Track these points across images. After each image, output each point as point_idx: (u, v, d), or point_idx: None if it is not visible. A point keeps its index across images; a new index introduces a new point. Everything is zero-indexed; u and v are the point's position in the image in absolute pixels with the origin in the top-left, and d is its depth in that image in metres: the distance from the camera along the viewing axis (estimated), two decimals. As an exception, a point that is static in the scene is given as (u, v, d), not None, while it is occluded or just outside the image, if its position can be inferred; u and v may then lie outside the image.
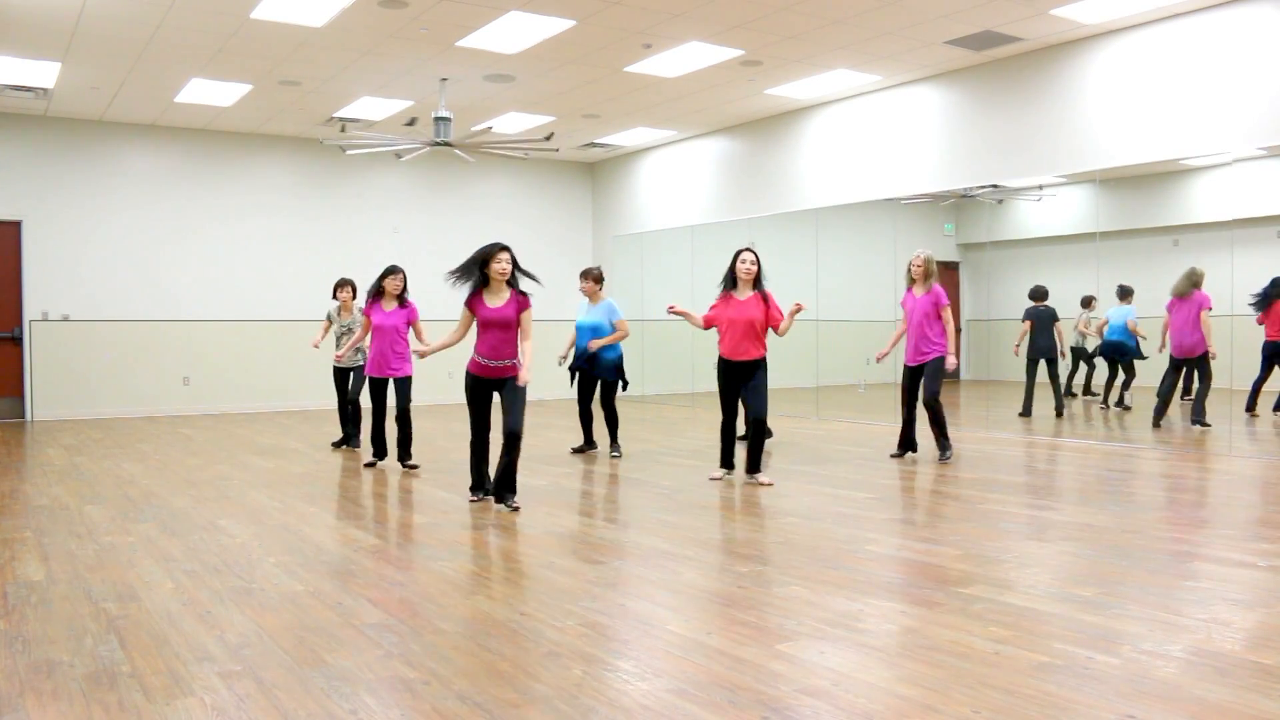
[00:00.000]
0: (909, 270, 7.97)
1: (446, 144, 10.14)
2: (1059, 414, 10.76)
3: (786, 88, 10.97)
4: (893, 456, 8.09)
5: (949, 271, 13.75)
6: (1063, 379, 11.07)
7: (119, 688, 3.13)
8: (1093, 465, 7.68)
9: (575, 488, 6.91)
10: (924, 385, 7.82)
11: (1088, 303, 11.26)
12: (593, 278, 8.48)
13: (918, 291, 7.92)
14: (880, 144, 11.11)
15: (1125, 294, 10.61)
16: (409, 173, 14.23)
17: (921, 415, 7.99)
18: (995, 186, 10.61)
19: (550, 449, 8.96)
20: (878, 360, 8.07)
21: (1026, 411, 10.67)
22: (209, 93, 10.91)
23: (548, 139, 10.37)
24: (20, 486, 7.13)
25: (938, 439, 7.91)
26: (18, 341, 11.99)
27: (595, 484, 7.25)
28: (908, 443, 8.08)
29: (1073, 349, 11.47)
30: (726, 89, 11.02)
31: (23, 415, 12.00)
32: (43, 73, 9.99)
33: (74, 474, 7.69)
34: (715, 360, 7.02)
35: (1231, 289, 9.01)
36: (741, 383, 6.86)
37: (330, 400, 10.97)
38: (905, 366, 7.98)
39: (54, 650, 3.49)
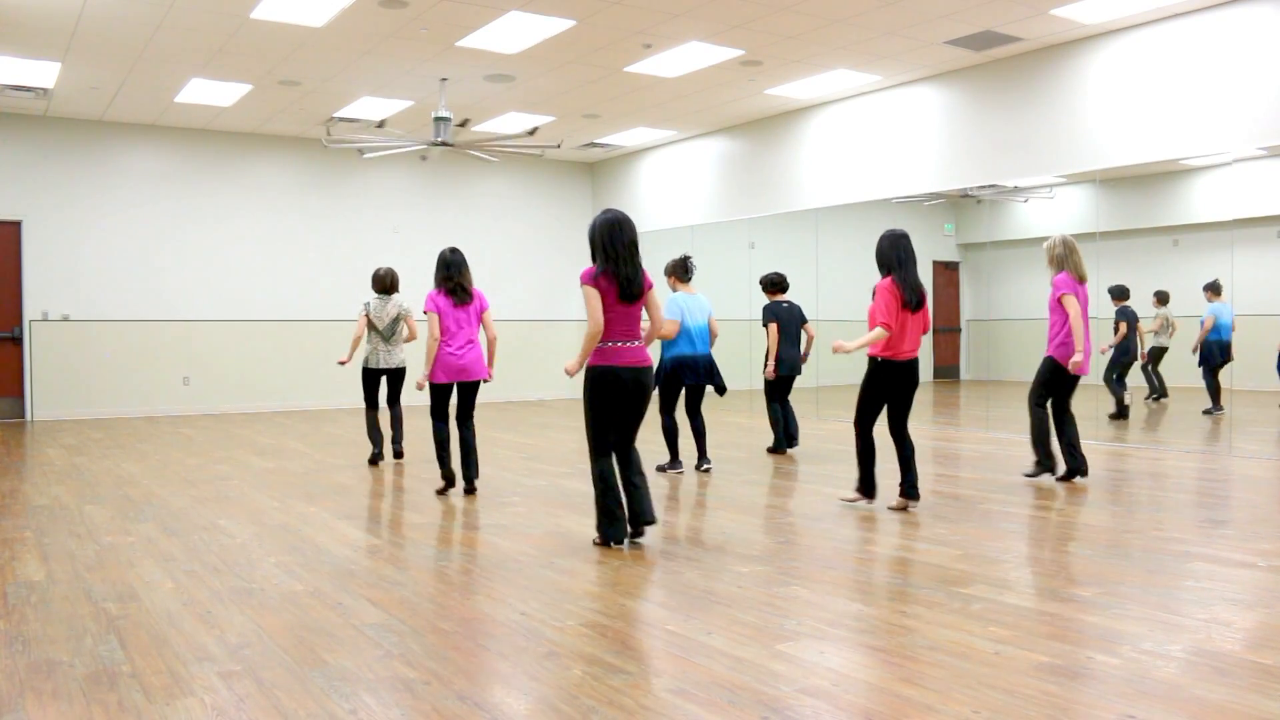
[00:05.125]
0: (1068, 251, 6.78)
1: (447, 144, 10.14)
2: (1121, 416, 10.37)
3: (786, 88, 10.97)
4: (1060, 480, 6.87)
5: (949, 271, 13.77)
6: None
7: (119, 688, 3.13)
8: (1092, 465, 7.67)
9: (575, 488, 6.90)
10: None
11: (1164, 299, 10.52)
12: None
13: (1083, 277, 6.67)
14: (880, 144, 11.10)
15: (1219, 290, 9.79)
16: (409, 173, 14.23)
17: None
18: (994, 186, 10.59)
19: (551, 449, 8.96)
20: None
21: (1123, 413, 10.23)
22: (209, 93, 10.91)
23: (532, 132, 10.30)
24: (20, 486, 7.13)
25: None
26: (18, 341, 11.99)
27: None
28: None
29: (1152, 349, 10.69)
30: (726, 89, 11.01)
31: (23, 415, 12.00)
32: (43, 73, 9.98)
33: (74, 474, 7.69)
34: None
35: (1232, 289, 9.02)
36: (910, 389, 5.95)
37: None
38: (1071, 375, 6.69)
39: (54, 650, 3.49)
